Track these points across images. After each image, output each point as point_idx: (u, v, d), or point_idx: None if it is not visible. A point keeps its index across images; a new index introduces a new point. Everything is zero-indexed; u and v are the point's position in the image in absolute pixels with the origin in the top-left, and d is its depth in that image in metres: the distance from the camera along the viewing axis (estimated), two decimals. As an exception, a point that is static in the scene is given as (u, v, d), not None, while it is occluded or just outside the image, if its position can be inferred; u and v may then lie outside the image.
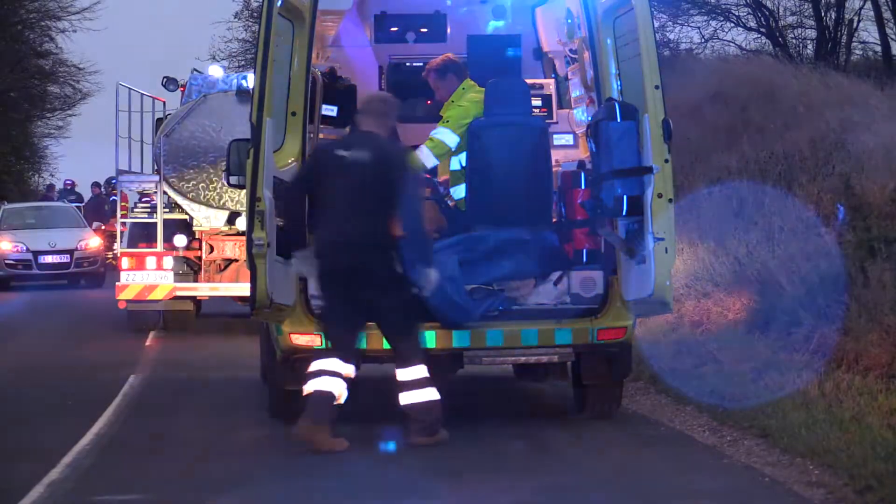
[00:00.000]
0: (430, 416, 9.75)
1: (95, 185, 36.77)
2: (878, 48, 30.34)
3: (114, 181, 27.13)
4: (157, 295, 18.33)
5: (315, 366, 9.75)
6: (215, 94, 18.70)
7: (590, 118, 10.93)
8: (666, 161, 10.05)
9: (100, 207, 34.22)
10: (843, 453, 8.76)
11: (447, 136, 10.80)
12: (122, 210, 19.73)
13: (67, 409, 12.22)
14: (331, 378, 9.66)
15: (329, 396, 9.65)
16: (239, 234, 17.93)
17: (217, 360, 15.84)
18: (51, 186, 43.69)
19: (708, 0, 32.86)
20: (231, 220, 18.19)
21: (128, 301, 18.54)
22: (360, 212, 9.77)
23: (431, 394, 9.78)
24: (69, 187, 38.70)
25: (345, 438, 9.63)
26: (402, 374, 9.82)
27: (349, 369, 9.76)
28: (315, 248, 9.91)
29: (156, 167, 18.99)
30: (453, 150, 10.81)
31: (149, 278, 18.29)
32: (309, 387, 9.70)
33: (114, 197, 32.89)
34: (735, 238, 15.36)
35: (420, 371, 9.79)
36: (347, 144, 10.08)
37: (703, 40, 32.86)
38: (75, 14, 42.58)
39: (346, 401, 9.73)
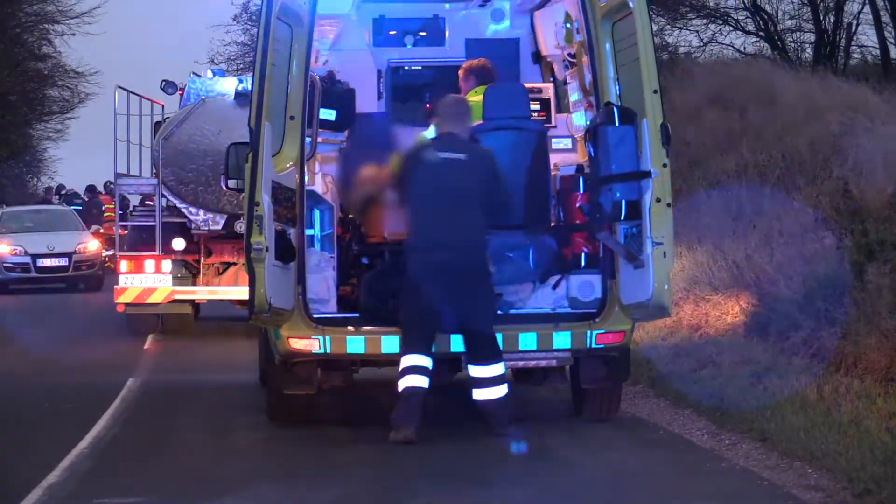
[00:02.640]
0: (506, 411, 10.05)
1: (93, 188, 36.78)
2: (877, 52, 30.35)
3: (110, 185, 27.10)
4: (156, 298, 18.31)
5: (407, 361, 9.98)
6: (214, 98, 18.69)
7: (588, 122, 10.93)
8: (664, 165, 10.06)
9: (98, 211, 34.21)
10: (841, 457, 8.76)
11: None
12: (111, 213, 19.71)
13: (66, 412, 12.22)
14: (421, 376, 9.95)
15: (421, 392, 9.95)
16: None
17: (215, 363, 15.84)
18: (49, 189, 43.69)
19: (707, 3, 32.87)
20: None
21: (126, 304, 18.53)
22: (460, 210, 10.09)
23: (504, 390, 10.06)
24: (73, 192, 38.74)
25: (342, 443, 9.65)
26: (479, 371, 10.05)
27: (430, 362, 10.03)
28: (413, 243, 10.15)
29: (154, 170, 18.97)
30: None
31: (147, 282, 18.27)
32: (402, 384, 9.95)
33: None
34: (734, 242, 15.37)
35: (498, 368, 10.05)
36: (440, 147, 10.29)
37: (701, 44, 32.89)
38: (74, 18, 42.58)
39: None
